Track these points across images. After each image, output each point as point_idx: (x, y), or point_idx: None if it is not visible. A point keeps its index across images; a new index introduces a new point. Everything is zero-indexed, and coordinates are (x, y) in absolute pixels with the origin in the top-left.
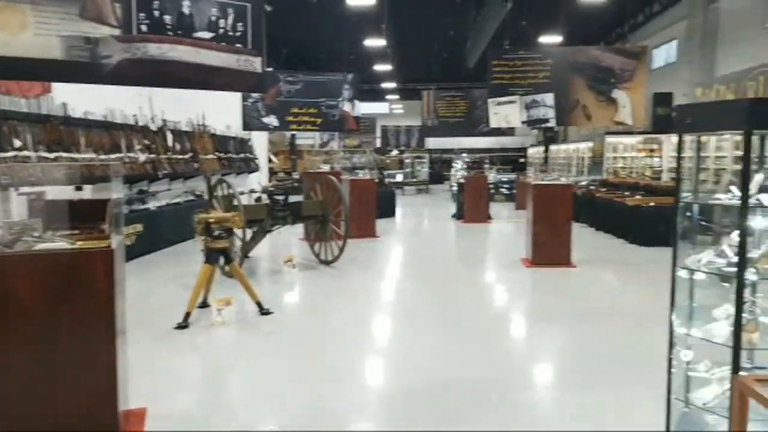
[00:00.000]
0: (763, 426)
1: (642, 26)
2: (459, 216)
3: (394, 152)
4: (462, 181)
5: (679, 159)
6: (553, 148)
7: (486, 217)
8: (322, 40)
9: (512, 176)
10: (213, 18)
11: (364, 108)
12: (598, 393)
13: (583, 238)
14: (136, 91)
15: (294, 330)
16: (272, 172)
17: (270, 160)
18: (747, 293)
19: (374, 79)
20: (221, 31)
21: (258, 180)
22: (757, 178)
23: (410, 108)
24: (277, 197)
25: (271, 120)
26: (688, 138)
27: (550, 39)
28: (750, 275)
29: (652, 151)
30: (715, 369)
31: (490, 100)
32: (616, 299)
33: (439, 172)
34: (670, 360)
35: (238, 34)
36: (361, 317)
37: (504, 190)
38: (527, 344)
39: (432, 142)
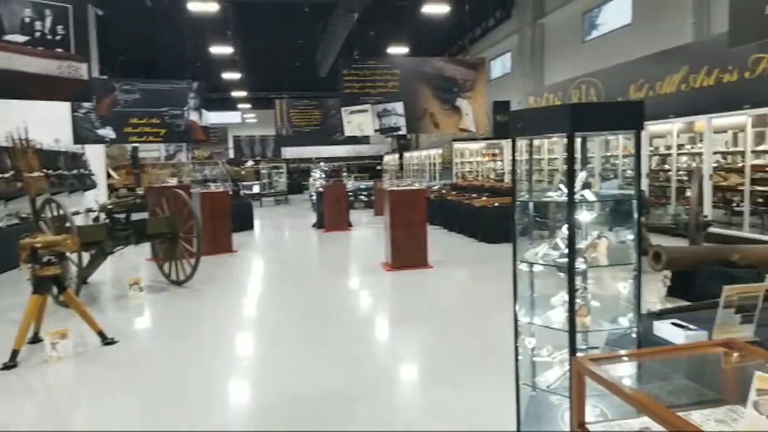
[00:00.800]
0: (599, 401)
1: (480, 39)
2: (320, 225)
3: (250, 163)
4: (321, 190)
5: (514, 162)
6: (407, 155)
7: (347, 225)
8: (165, 47)
9: (370, 183)
10: (27, 19)
11: (215, 117)
12: (458, 387)
13: (437, 239)
14: None
15: (143, 358)
16: (112, 189)
17: (109, 176)
18: (579, 281)
19: (224, 87)
20: (38, 34)
21: (95, 198)
22: (581, 176)
23: (264, 117)
24: (118, 215)
25: (107, 132)
26: (523, 142)
27: (398, 50)
28: (580, 264)
29: (494, 155)
30: (556, 353)
31: (343, 109)
32: (470, 295)
33: (298, 182)
34: (516, 348)
35: (58, 37)
36: (219, 338)
37: (363, 197)
38: (390, 346)
39: (289, 152)
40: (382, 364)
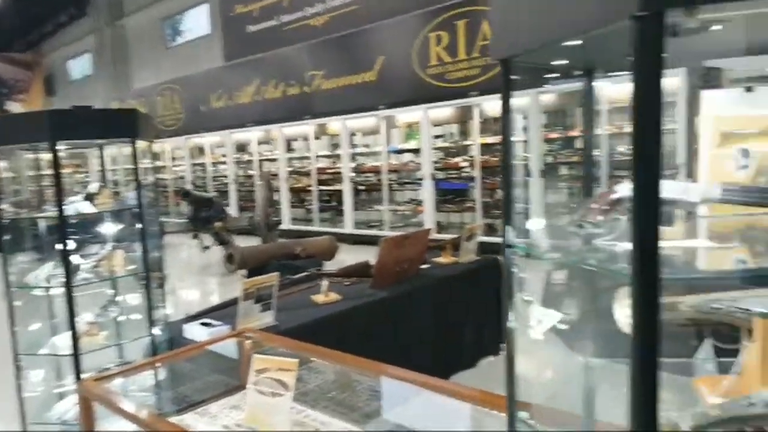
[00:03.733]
0: (113, 423)
1: (54, 36)
2: None
3: None
4: None
5: None
6: None
7: None
8: None
9: None
10: None
11: None
12: None
13: None
14: None
15: None
16: None
17: None
18: (110, 296)
19: None
20: None
21: None
22: (93, 187)
23: None
24: None
25: None
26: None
27: None
28: (89, 279)
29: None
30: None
31: None
32: None
33: None
34: (18, 385)
35: None
36: None
37: None
38: None
39: None
40: None
